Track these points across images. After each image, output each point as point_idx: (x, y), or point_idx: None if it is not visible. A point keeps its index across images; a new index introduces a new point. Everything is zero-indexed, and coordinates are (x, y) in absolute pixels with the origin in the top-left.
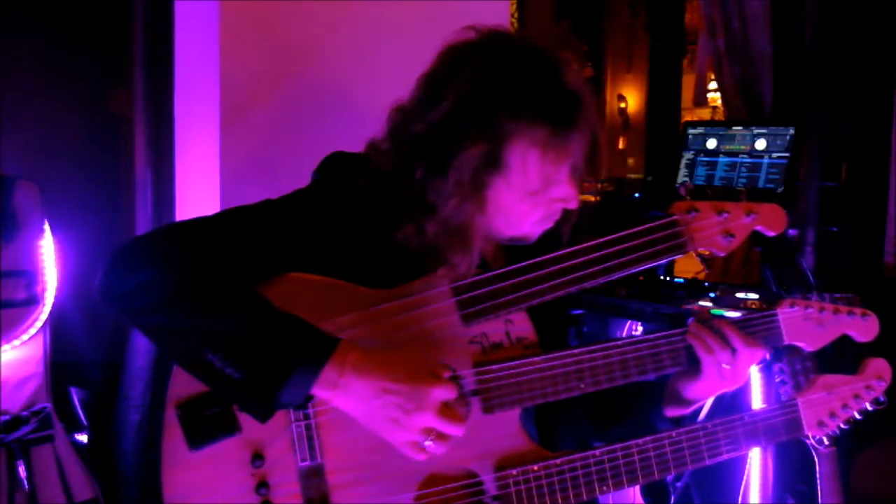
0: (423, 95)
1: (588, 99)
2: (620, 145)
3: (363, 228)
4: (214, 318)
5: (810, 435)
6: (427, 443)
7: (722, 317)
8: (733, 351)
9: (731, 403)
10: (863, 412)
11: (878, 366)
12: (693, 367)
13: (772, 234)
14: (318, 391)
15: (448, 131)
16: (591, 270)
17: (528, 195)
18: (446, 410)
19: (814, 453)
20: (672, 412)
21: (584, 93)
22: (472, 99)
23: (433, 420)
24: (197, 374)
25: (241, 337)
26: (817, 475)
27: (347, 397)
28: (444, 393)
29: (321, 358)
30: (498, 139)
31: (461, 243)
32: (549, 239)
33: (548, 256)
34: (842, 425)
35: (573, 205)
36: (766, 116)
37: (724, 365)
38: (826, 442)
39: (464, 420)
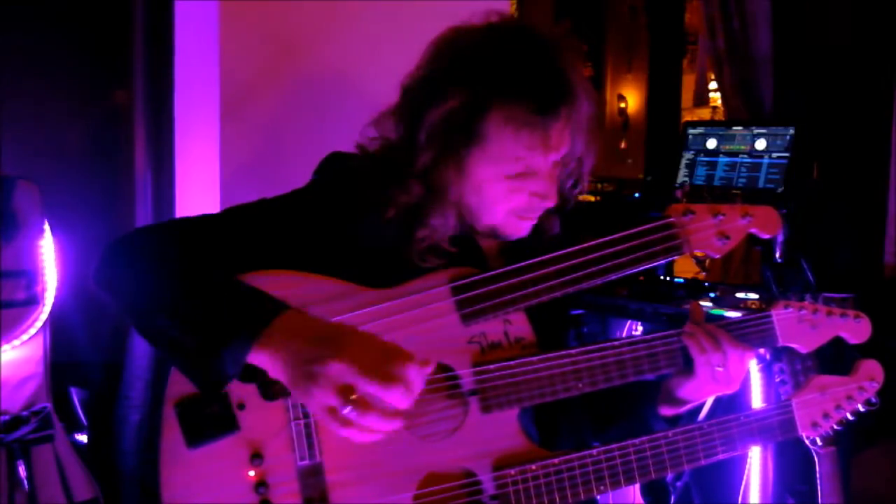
0: (421, 59)
1: (579, 94)
2: (621, 145)
3: (362, 228)
4: (172, 285)
5: (804, 435)
6: (346, 409)
7: (720, 316)
8: (724, 353)
9: (731, 403)
10: (855, 413)
11: (871, 367)
12: (688, 367)
13: (766, 236)
14: (256, 357)
15: (430, 86)
16: (588, 271)
17: (505, 177)
18: (373, 370)
19: (813, 453)
20: (666, 411)
21: (577, 87)
22: (460, 62)
23: (350, 374)
24: (153, 341)
25: (190, 300)
26: (817, 475)
27: (276, 359)
28: (363, 342)
29: (262, 323)
30: (476, 104)
31: (438, 204)
32: (545, 240)
33: (546, 257)
34: (835, 426)
35: (550, 202)
36: (765, 116)
37: (716, 367)
38: (820, 443)
39: (404, 384)
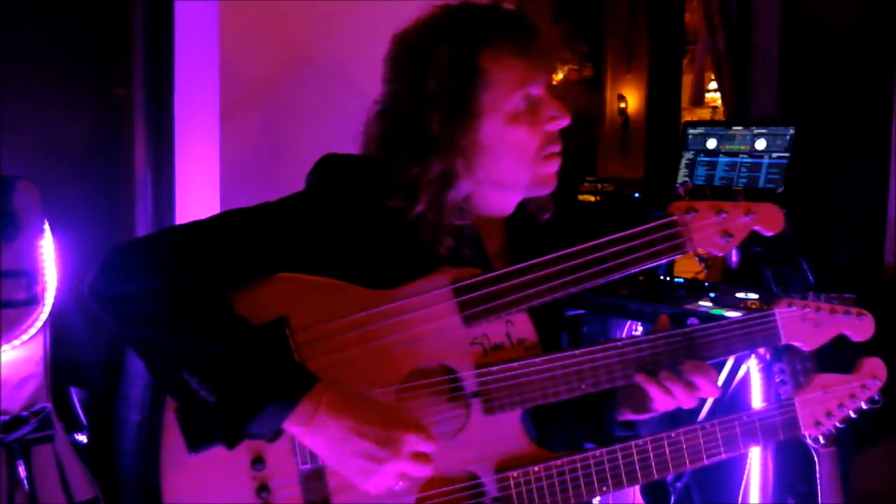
0: (387, 69)
1: (540, 27)
2: (621, 145)
3: (363, 229)
4: (198, 342)
5: (807, 434)
6: (397, 487)
7: (720, 316)
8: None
9: (731, 403)
10: (858, 411)
11: (873, 365)
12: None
13: (769, 233)
14: (291, 426)
15: (421, 49)
16: (591, 271)
17: (518, 117)
18: (417, 455)
19: (814, 453)
20: (627, 416)
21: (536, 23)
22: (440, 27)
23: (405, 466)
24: (169, 389)
25: (221, 364)
26: (817, 475)
27: (319, 436)
28: (418, 442)
29: (297, 394)
30: (468, 49)
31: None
32: (548, 239)
33: (548, 257)
34: (838, 424)
35: (566, 120)
36: (765, 116)
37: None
38: (822, 441)
39: (432, 461)
